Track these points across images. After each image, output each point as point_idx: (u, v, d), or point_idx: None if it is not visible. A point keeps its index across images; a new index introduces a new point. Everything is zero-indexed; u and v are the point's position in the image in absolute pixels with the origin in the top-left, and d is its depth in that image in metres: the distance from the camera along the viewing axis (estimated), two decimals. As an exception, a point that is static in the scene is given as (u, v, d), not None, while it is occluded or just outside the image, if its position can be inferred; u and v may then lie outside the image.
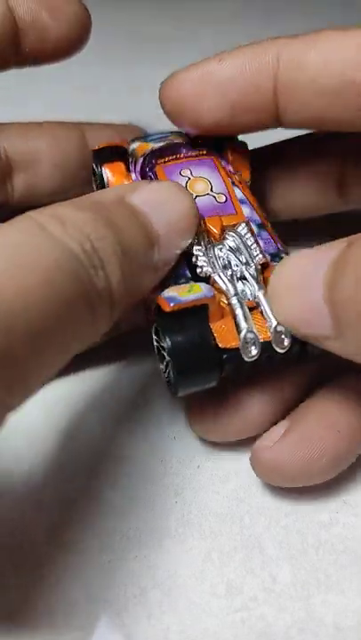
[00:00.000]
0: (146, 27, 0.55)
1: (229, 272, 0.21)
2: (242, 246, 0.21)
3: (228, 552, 0.22)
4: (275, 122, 0.24)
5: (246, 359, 0.20)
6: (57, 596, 0.21)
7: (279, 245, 0.22)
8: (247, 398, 0.23)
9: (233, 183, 0.24)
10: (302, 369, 0.23)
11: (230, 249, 0.21)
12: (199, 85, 0.23)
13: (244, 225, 0.22)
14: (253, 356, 0.20)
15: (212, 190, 0.23)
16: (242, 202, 0.23)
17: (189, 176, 0.24)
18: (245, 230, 0.22)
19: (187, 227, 0.20)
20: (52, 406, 0.26)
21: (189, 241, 0.21)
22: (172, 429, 0.25)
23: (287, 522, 0.23)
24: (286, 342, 0.20)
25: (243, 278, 0.21)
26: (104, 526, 0.22)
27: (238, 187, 0.24)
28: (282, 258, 0.21)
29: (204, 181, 0.24)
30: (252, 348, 0.20)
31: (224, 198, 0.23)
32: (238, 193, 0.23)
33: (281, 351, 0.20)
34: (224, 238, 0.22)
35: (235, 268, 0.21)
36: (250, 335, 0.20)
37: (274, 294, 0.19)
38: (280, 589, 0.21)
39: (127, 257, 0.18)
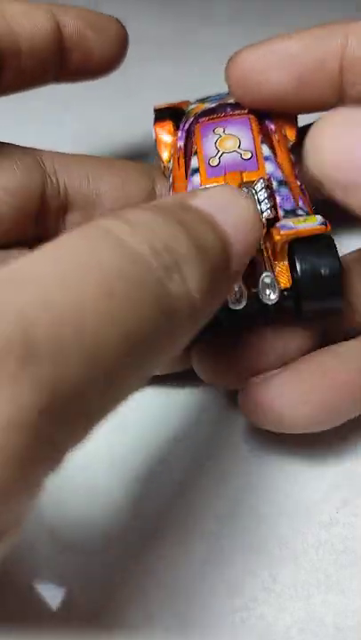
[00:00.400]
0: (145, 26, 0.55)
1: None
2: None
3: (228, 552, 0.22)
4: (337, 99, 0.24)
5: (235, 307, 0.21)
6: (57, 596, 0.21)
7: (300, 203, 0.22)
8: (260, 346, 0.23)
9: (263, 142, 0.24)
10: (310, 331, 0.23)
11: None
12: (264, 59, 0.24)
13: (261, 181, 0.22)
14: (241, 305, 0.21)
15: (239, 147, 0.24)
16: (266, 159, 0.24)
17: (221, 134, 0.24)
18: (261, 186, 0.22)
19: (253, 226, 0.19)
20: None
21: (257, 241, 0.19)
22: (172, 429, 0.25)
23: (287, 522, 0.23)
24: (273, 296, 0.20)
25: None
26: (103, 526, 0.22)
27: (267, 144, 0.24)
28: (298, 215, 0.22)
29: (234, 139, 0.24)
30: (269, 291, 0.21)
31: (250, 155, 0.24)
32: (266, 150, 0.24)
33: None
34: None
35: None
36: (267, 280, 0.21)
37: (314, 137, 0.19)
38: (280, 589, 0.21)
39: (203, 257, 0.16)
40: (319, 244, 0.21)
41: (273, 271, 0.21)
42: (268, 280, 0.21)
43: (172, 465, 0.24)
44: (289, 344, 0.23)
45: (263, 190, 0.22)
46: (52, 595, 0.21)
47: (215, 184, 0.23)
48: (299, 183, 0.23)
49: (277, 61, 0.24)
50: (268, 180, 0.23)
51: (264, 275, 0.21)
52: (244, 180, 0.23)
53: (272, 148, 0.24)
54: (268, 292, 0.21)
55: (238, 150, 0.24)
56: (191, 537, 0.22)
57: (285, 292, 0.21)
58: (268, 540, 0.22)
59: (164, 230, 0.16)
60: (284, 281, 0.21)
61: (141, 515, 0.23)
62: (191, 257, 0.16)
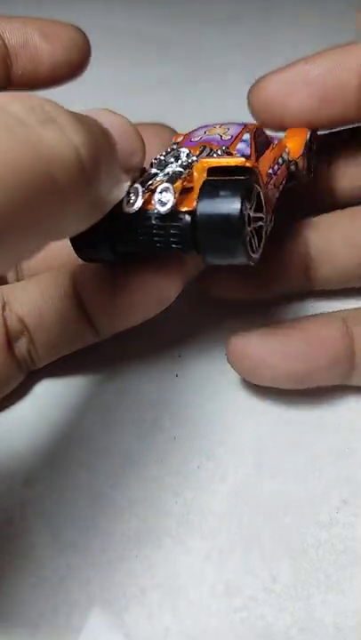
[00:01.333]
0: (145, 27, 0.55)
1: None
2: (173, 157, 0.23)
3: (227, 552, 0.22)
4: (357, 114, 0.26)
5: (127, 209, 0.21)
6: (58, 596, 0.21)
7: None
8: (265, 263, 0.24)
9: (248, 132, 0.25)
10: None
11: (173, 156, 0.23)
12: (288, 83, 0.26)
13: (186, 151, 0.23)
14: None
15: (224, 133, 0.25)
16: (243, 141, 0.24)
17: (214, 126, 0.25)
18: (179, 154, 0.23)
19: (132, 133, 0.20)
20: (51, 407, 0.26)
21: (142, 151, 0.21)
22: (172, 429, 0.25)
23: (287, 522, 0.23)
24: (163, 207, 0.20)
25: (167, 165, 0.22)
26: (104, 526, 0.22)
27: (255, 140, 0.25)
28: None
29: (224, 129, 0.25)
30: (161, 197, 0.20)
31: (230, 137, 0.24)
32: (246, 136, 0.24)
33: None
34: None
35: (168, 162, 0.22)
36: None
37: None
38: (280, 589, 0.21)
39: (82, 123, 0.17)
40: (232, 183, 0.20)
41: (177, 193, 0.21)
42: (163, 186, 0.20)
43: (171, 465, 0.24)
44: (282, 268, 0.26)
45: (177, 157, 0.22)
46: (52, 594, 0.21)
47: None
48: (270, 173, 0.24)
49: (301, 85, 0.26)
50: (208, 147, 0.23)
51: (163, 185, 0.20)
52: (212, 149, 0.23)
53: (259, 144, 0.25)
54: (159, 197, 0.20)
55: (221, 134, 0.25)
56: (191, 536, 0.22)
57: (182, 215, 0.20)
58: (267, 540, 0.22)
59: (48, 104, 0.16)
60: (187, 204, 0.20)
61: (141, 515, 0.23)
62: (70, 119, 0.16)
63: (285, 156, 0.26)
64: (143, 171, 0.22)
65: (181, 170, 0.21)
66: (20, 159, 0.14)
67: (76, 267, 0.25)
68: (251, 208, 0.20)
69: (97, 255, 0.22)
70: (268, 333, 0.25)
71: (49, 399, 0.26)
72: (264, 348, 0.24)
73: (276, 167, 0.25)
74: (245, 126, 0.25)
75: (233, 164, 0.21)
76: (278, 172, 0.25)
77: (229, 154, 0.23)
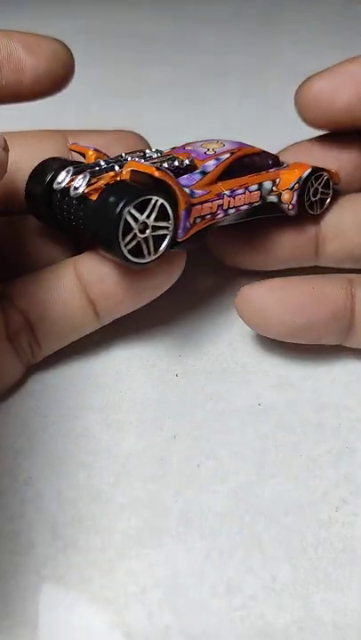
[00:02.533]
0: (146, 27, 0.55)
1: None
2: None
3: (227, 551, 0.22)
4: None
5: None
6: (58, 594, 0.21)
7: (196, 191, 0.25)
8: (277, 235, 0.28)
9: (233, 154, 0.26)
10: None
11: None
12: (333, 82, 0.26)
13: (154, 150, 0.26)
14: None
15: (212, 149, 0.27)
16: (217, 159, 0.26)
17: (215, 140, 0.27)
18: (150, 154, 0.26)
19: None
20: (52, 406, 0.26)
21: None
22: (172, 428, 0.25)
23: (287, 521, 0.23)
24: (75, 191, 0.23)
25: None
26: (104, 525, 0.23)
27: (226, 161, 0.26)
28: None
29: (220, 144, 0.27)
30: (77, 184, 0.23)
31: (212, 153, 0.26)
32: (224, 156, 0.26)
33: (73, 193, 0.23)
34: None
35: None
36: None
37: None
38: (280, 588, 0.21)
39: None
40: (123, 190, 0.23)
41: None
42: (83, 174, 0.23)
43: (172, 464, 0.24)
44: (290, 244, 0.28)
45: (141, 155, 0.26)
46: (53, 594, 0.21)
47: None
48: (225, 194, 0.26)
49: (345, 82, 0.26)
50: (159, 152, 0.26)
51: (84, 174, 0.23)
52: (176, 157, 0.25)
53: (235, 166, 0.26)
54: (75, 183, 0.23)
55: (211, 148, 0.27)
56: (191, 535, 0.22)
57: (88, 202, 0.23)
58: (267, 539, 0.22)
59: None
60: (94, 196, 0.23)
61: (142, 514, 0.23)
62: None
63: (268, 185, 0.27)
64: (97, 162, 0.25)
65: (114, 167, 0.24)
66: None
67: (76, 257, 0.26)
68: (149, 216, 0.22)
69: (45, 221, 0.26)
70: (275, 284, 0.26)
71: (49, 398, 0.26)
72: (269, 296, 0.26)
73: (241, 190, 0.26)
74: (239, 148, 0.26)
75: (147, 171, 0.23)
76: (242, 195, 0.26)
77: (193, 167, 0.25)
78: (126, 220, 0.22)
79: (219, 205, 0.25)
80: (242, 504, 0.23)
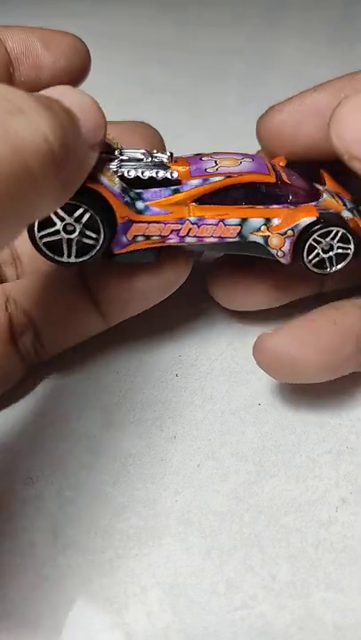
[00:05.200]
0: (147, 29, 0.55)
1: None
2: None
3: (227, 550, 0.22)
4: None
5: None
6: (58, 594, 0.21)
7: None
8: (280, 271, 0.26)
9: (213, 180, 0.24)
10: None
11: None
12: (297, 112, 0.26)
13: (143, 151, 0.24)
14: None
15: (224, 165, 0.24)
16: (205, 179, 0.24)
17: (247, 157, 0.25)
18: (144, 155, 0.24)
19: (94, 108, 0.21)
20: (52, 406, 0.26)
21: (104, 125, 0.21)
22: (172, 428, 0.25)
23: (287, 520, 0.23)
24: None
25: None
26: (105, 525, 0.23)
27: (211, 185, 0.24)
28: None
29: (236, 161, 0.25)
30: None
31: (214, 170, 0.24)
32: (215, 178, 0.24)
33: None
34: None
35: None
36: None
37: (338, 114, 0.22)
38: (280, 588, 0.21)
39: (49, 111, 0.17)
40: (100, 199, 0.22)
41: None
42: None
43: (172, 464, 0.24)
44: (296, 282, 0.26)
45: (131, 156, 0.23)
46: (53, 593, 0.21)
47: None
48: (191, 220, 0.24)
49: (310, 113, 0.26)
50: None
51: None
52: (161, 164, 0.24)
53: (223, 193, 0.24)
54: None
55: (225, 165, 0.24)
56: (191, 535, 0.22)
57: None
58: (267, 538, 0.22)
59: (11, 93, 0.17)
60: None
61: (142, 513, 0.23)
62: (35, 105, 0.17)
63: (256, 222, 0.24)
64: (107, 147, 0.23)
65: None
66: None
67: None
68: (78, 220, 0.22)
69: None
70: (296, 329, 0.24)
71: (50, 399, 0.26)
72: (295, 343, 0.24)
73: (213, 221, 0.23)
74: (245, 173, 0.24)
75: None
76: (212, 227, 0.23)
77: (177, 182, 0.23)
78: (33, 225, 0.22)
79: (173, 230, 0.23)
80: (242, 504, 0.23)
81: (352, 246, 0.24)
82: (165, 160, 0.24)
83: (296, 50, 0.52)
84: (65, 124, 0.18)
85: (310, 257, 0.24)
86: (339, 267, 0.25)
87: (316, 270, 0.25)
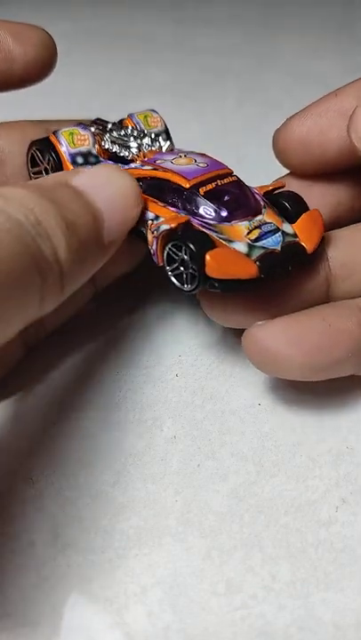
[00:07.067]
0: (146, 28, 0.55)
1: None
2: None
3: (227, 550, 0.22)
4: None
5: None
6: (58, 594, 0.21)
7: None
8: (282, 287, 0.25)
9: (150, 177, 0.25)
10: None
11: None
12: (321, 120, 0.24)
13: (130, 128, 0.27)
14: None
15: (178, 160, 0.25)
16: (141, 165, 0.25)
17: (205, 157, 0.25)
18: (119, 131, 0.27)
19: (129, 203, 0.22)
20: (52, 406, 0.26)
21: (135, 217, 0.22)
22: (172, 428, 0.25)
23: (287, 520, 0.23)
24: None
25: None
26: (105, 525, 0.23)
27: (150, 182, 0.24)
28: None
29: (189, 159, 0.25)
30: None
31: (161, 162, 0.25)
32: (146, 167, 0.25)
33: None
34: None
35: None
36: None
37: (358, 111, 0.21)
38: (280, 588, 0.21)
39: (72, 231, 0.19)
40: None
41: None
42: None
43: (172, 464, 0.24)
44: (297, 292, 0.25)
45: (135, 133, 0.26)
46: (53, 593, 0.21)
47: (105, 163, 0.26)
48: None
49: (336, 119, 0.24)
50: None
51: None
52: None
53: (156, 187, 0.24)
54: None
55: (181, 163, 0.25)
56: (191, 535, 0.22)
57: None
58: (267, 538, 0.22)
59: (38, 205, 0.18)
60: None
61: (142, 513, 0.23)
62: (62, 230, 0.19)
63: (150, 215, 0.23)
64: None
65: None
66: (16, 254, 0.17)
67: None
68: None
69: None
70: (286, 323, 0.24)
71: (50, 398, 0.26)
72: (281, 338, 0.23)
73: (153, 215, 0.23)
74: (173, 171, 0.24)
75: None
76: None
77: (129, 160, 0.26)
78: None
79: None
80: (242, 504, 0.23)
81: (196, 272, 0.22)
82: (144, 142, 0.26)
83: (293, 48, 0.52)
84: (83, 240, 0.19)
85: (171, 267, 0.23)
86: (189, 287, 0.23)
87: (176, 283, 0.23)
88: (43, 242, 0.18)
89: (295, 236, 0.23)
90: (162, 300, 0.26)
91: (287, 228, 0.23)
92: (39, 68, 0.26)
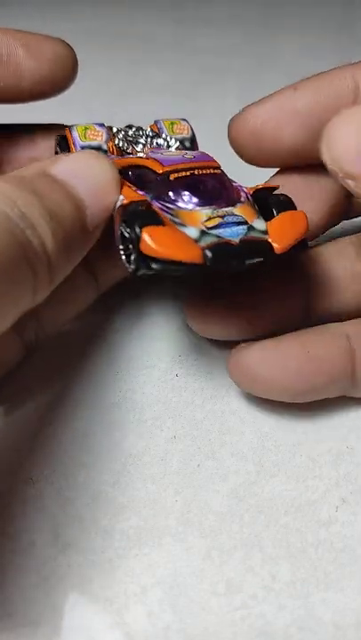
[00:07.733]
0: (146, 28, 0.55)
1: None
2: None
3: (227, 550, 0.22)
4: None
5: None
6: (58, 594, 0.21)
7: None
8: (260, 300, 0.25)
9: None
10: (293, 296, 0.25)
11: None
12: (277, 114, 0.23)
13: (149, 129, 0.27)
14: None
15: (165, 153, 0.25)
16: (127, 155, 0.25)
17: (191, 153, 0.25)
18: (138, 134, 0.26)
19: (108, 187, 0.21)
20: (52, 407, 0.26)
21: (116, 201, 0.22)
22: (172, 428, 0.25)
23: (287, 520, 0.23)
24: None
25: None
26: (105, 525, 0.23)
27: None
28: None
29: (180, 151, 0.25)
30: None
31: (146, 152, 0.25)
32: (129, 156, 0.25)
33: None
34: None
35: None
36: None
37: (330, 130, 0.19)
38: (279, 588, 0.21)
39: (56, 220, 0.19)
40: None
41: None
42: None
43: (172, 464, 0.24)
44: (278, 306, 0.25)
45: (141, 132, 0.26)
46: (53, 593, 0.21)
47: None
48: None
49: (291, 114, 0.23)
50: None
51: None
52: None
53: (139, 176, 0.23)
54: None
55: (170, 153, 0.25)
56: (191, 535, 0.22)
57: None
58: (267, 538, 0.22)
59: (21, 198, 0.19)
60: None
61: (142, 513, 0.23)
62: (46, 220, 0.19)
63: (121, 199, 0.22)
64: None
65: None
66: (6, 246, 0.17)
67: None
68: None
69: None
70: (269, 348, 0.24)
71: (50, 398, 0.26)
72: (263, 362, 0.24)
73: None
74: (157, 161, 0.23)
75: None
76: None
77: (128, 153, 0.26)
78: None
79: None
80: (242, 504, 0.23)
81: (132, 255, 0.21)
82: (155, 142, 0.26)
83: (293, 48, 0.52)
84: (67, 228, 0.20)
85: (124, 246, 0.21)
86: (132, 267, 0.21)
87: (125, 264, 0.21)
88: (30, 233, 0.18)
89: (265, 233, 0.22)
90: (162, 299, 0.26)
91: (259, 224, 0.22)
92: (51, 84, 0.25)
